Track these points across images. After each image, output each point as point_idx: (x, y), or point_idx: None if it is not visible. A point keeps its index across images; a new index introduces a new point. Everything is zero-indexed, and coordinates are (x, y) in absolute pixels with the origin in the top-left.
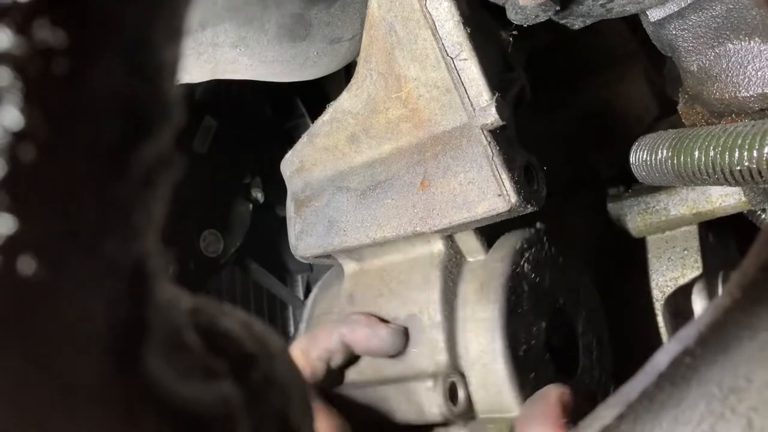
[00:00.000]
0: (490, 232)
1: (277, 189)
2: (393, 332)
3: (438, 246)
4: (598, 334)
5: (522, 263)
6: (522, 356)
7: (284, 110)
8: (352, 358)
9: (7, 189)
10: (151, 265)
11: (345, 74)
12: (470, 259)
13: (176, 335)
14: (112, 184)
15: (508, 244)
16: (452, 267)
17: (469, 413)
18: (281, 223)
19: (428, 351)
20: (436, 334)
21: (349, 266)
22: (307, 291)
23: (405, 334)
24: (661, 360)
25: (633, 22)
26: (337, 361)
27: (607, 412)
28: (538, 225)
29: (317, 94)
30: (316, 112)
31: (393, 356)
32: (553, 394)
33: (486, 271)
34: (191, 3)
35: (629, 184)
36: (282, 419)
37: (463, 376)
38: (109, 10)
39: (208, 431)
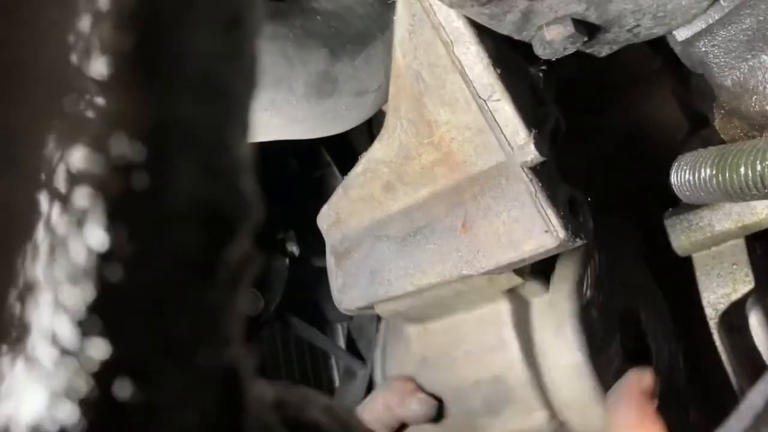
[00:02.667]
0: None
1: (311, 240)
2: (421, 402)
3: (503, 303)
4: (663, 326)
5: (585, 291)
6: (609, 377)
7: (310, 161)
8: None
9: (98, 312)
10: (242, 367)
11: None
12: (535, 300)
13: (268, 428)
14: (201, 293)
15: (567, 274)
16: (521, 318)
17: None
18: (317, 274)
19: (524, 409)
20: (527, 392)
21: (412, 328)
22: (348, 339)
23: (435, 405)
24: (755, 400)
25: (655, 40)
26: (393, 424)
27: (737, 423)
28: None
29: (340, 142)
30: (341, 159)
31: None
32: (631, 377)
33: (555, 312)
34: (255, 95)
35: (667, 204)
36: None
37: (562, 423)
38: (184, 116)
39: None
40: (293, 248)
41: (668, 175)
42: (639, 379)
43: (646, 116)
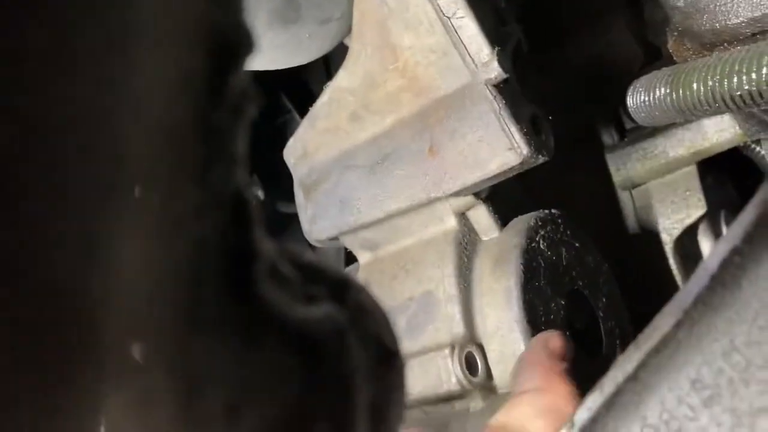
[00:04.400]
0: (503, 214)
1: (275, 185)
2: None
3: (451, 223)
4: (620, 320)
5: (537, 239)
6: (538, 316)
7: (270, 108)
8: None
9: None
10: (248, 194)
11: (324, 63)
12: (485, 238)
13: (276, 265)
14: (211, 114)
15: (522, 222)
16: (467, 244)
17: (488, 385)
18: (282, 219)
19: (445, 325)
20: (451, 307)
21: (364, 256)
22: None
23: None
24: (711, 263)
25: None
26: None
27: (664, 320)
28: (553, 210)
29: (300, 88)
30: (302, 107)
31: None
32: (538, 338)
33: (501, 246)
34: None
35: (623, 134)
36: (378, 340)
37: (481, 347)
38: None
39: (324, 345)
40: (258, 192)
41: (624, 105)
42: (546, 341)
43: (602, 48)
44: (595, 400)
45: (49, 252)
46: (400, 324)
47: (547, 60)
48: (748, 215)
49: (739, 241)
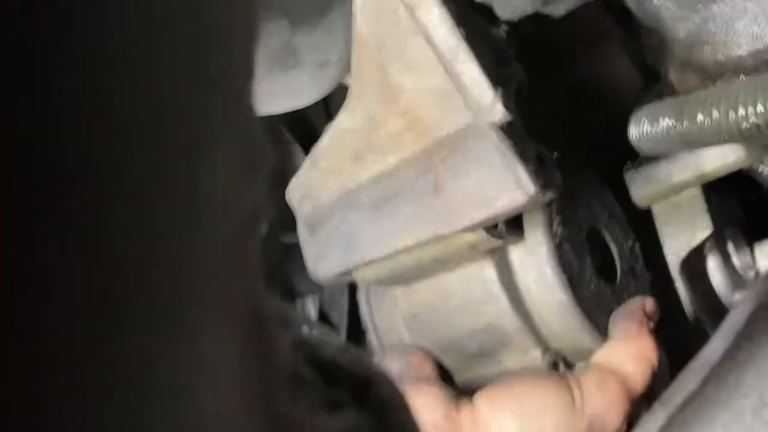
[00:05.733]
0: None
1: (278, 217)
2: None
3: (487, 261)
4: (620, 227)
5: (555, 230)
6: (589, 302)
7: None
8: None
9: None
10: (266, 309)
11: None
12: (513, 249)
13: (295, 370)
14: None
15: (536, 218)
16: (504, 271)
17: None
18: (286, 250)
19: (519, 350)
20: (521, 335)
21: (398, 289)
22: (321, 312)
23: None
24: (736, 318)
25: None
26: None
27: (689, 377)
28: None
29: (300, 123)
30: (301, 140)
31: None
32: (635, 300)
33: (534, 257)
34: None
35: (624, 158)
36: None
37: (557, 352)
38: None
39: None
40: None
41: (625, 129)
42: (641, 302)
43: (601, 74)
44: None
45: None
46: (470, 351)
47: (544, 85)
48: None
49: (765, 296)
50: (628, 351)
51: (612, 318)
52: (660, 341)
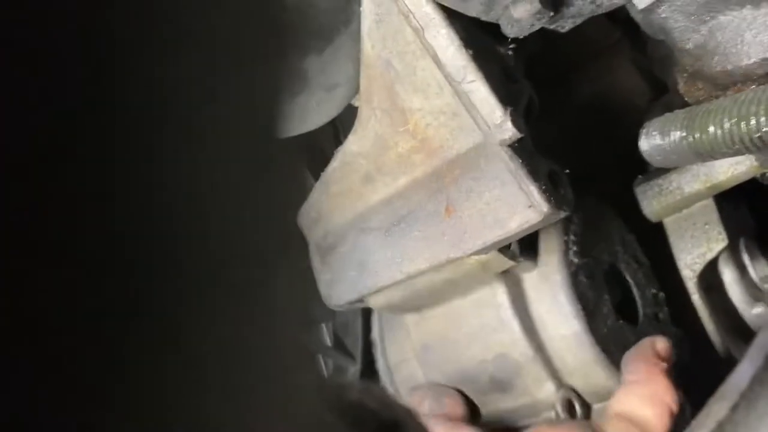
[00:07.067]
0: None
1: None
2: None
3: (499, 285)
4: (643, 271)
5: (571, 258)
6: (606, 338)
7: None
8: None
9: None
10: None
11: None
12: (526, 276)
13: (320, 417)
14: None
15: (552, 244)
16: (517, 297)
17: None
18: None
19: (532, 382)
20: (533, 366)
21: (409, 317)
22: (335, 338)
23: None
24: (765, 341)
25: (613, 12)
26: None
27: (718, 404)
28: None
29: (307, 144)
30: (310, 162)
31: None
32: (645, 340)
33: (548, 284)
34: None
35: (634, 172)
36: None
37: (569, 389)
38: None
39: None
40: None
41: (635, 142)
42: (652, 342)
43: (609, 86)
44: None
45: None
46: (482, 383)
47: (553, 100)
48: None
49: None
50: (641, 394)
51: (623, 359)
52: (677, 381)
